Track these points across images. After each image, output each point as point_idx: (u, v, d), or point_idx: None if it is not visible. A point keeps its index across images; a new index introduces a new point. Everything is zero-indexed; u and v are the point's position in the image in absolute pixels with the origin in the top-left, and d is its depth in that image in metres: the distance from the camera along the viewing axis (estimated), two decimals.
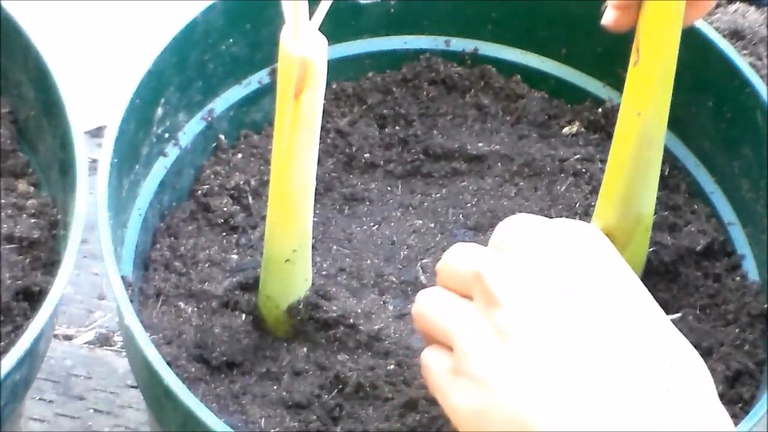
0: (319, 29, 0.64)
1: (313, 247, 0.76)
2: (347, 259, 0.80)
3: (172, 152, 0.81)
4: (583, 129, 0.87)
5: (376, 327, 0.75)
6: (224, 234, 0.80)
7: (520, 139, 0.86)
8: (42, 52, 0.76)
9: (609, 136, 0.79)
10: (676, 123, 0.84)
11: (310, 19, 0.64)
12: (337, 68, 0.85)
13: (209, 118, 0.83)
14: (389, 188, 0.85)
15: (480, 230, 0.82)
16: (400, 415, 0.71)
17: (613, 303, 0.59)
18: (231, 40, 0.82)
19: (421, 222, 0.83)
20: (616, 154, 0.75)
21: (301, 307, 0.74)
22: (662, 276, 0.80)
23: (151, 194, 0.79)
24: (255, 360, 0.74)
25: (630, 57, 0.71)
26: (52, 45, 0.77)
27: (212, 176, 0.81)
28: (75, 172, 0.71)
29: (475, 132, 0.87)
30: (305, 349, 0.75)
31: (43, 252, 0.75)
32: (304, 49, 0.63)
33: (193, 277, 0.77)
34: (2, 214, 0.75)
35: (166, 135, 0.80)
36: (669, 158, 0.85)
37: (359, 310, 0.76)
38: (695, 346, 0.60)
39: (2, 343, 0.70)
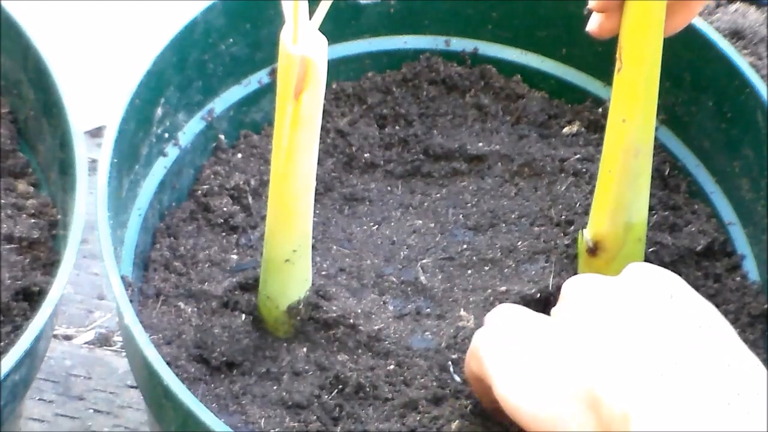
0: (319, 29, 0.64)
1: (313, 247, 0.76)
2: (347, 259, 0.80)
3: (172, 152, 0.81)
4: (583, 129, 0.87)
5: (376, 327, 0.75)
6: (224, 234, 0.80)
7: (520, 139, 0.86)
8: (42, 52, 0.76)
9: None
10: (676, 123, 0.84)
11: (310, 19, 0.64)
12: (337, 68, 0.85)
13: (209, 118, 0.83)
14: (389, 188, 0.85)
15: (480, 230, 0.82)
16: (400, 415, 0.71)
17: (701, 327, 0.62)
18: (231, 40, 0.82)
19: (421, 222, 0.83)
20: (605, 161, 0.74)
21: (301, 307, 0.74)
22: None
23: (150, 194, 0.79)
24: (255, 360, 0.74)
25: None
26: (52, 45, 0.77)
27: (212, 176, 0.81)
28: (75, 172, 0.71)
29: (475, 132, 0.87)
30: (305, 350, 0.75)
31: (43, 252, 0.75)
32: (304, 49, 0.63)
33: (192, 277, 0.77)
34: (2, 214, 0.75)
35: (166, 135, 0.80)
36: (669, 158, 0.85)
37: (359, 311, 0.76)
38: None
39: (2, 343, 0.70)
